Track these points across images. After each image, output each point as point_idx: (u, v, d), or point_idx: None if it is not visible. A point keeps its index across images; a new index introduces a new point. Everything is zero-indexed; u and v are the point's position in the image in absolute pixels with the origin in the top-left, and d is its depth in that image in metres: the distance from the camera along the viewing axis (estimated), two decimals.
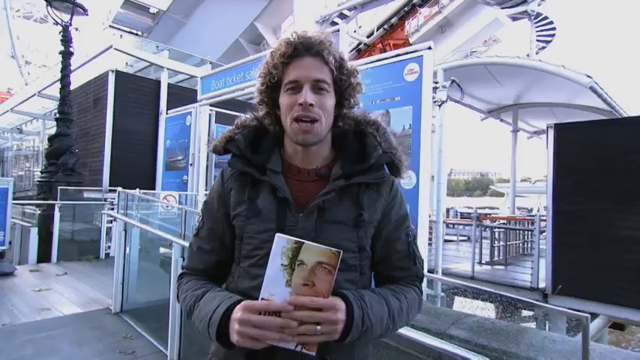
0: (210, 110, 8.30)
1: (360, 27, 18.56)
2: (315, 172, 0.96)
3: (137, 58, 10.40)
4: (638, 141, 4.79)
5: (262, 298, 0.78)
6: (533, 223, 7.68)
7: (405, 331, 1.54)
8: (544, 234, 5.94)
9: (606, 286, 4.89)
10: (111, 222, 7.18)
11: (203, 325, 0.86)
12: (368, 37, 17.92)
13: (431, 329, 1.70)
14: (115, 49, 9.89)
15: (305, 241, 0.78)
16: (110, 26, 18.87)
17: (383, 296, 0.90)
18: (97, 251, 7.04)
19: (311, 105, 0.88)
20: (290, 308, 0.76)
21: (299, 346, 0.78)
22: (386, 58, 4.60)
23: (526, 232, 8.38)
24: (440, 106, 6.01)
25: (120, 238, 4.10)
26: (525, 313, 5.19)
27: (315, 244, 0.78)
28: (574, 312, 1.32)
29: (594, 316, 5.31)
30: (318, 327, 0.76)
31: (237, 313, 0.79)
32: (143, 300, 4.21)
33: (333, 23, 15.92)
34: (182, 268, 1.05)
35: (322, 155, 0.98)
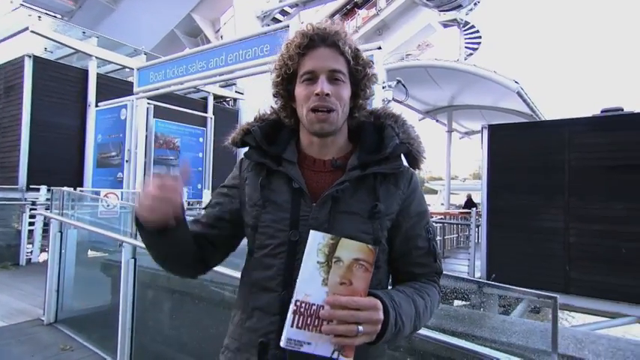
0: (148, 104, 7.83)
1: (302, 23, 18.62)
2: (331, 163, 0.95)
3: (60, 43, 9.47)
4: (558, 142, 5.35)
5: (297, 300, 0.73)
6: (467, 218, 8.27)
7: None
8: (479, 227, 6.42)
9: (532, 273, 5.42)
10: (32, 224, 6.51)
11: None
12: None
13: None
14: (32, 31, 8.91)
15: (341, 237, 0.75)
16: (22, 5, 16.92)
17: (409, 295, 0.88)
18: (15, 257, 6.34)
19: (327, 95, 0.88)
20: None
21: (335, 352, 0.73)
22: None
23: (461, 226, 9.01)
24: (386, 105, 6.24)
25: (55, 241, 3.73)
26: (463, 300, 5.58)
27: (352, 240, 0.76)
28: (543, 293, 1.45)
29: (520, 300, 5.85)
30: (360, 327, 0.72)
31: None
32: (82, 308, 3.87)
33: (275, 19, 15.79)
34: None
35: (338, 146, 0.98)
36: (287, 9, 15.77)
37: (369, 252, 0.75)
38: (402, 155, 0.98)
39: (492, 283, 1.36)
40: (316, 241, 0.75)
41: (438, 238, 8.27)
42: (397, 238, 0.96)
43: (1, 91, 9.32)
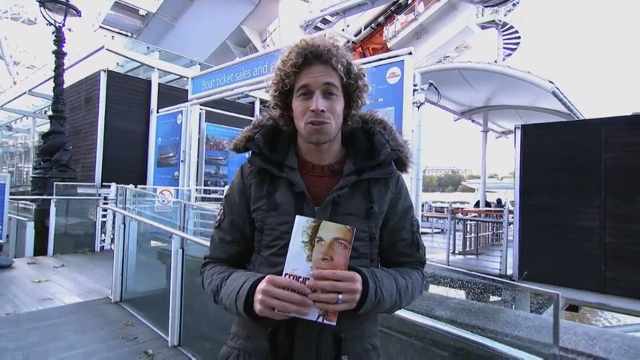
0: (201, 109, 8.23)
1: (348, 26, 18.62)
2: (329, 168, 0.99)
3: (128, 58, 10.18)
4: (594, 141, 5.02)
5: (286, 273, 0.82)
6: (502, 216, 7.93)
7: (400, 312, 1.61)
8: (512, 226, 6.15)
9: (565, 272, 5.12)
10: (105, 216, 7.07)
11: (231, 299, 0.89)
12: (356, 35, 18.02)
13: (420, 310, 1.79)
14: (107, 49, 9.66)
15: (323, 220, 0.83)
16: (100, 27, 18.32)
17: (391, 274, 0.95)
18: (91, 244, 6.91)
19: (322, 111, 0.92)
20: (308, 291, 0.80)
21: (320, 317, 0.81)
22: (370, 62, 4.67)
23: (495, 224, 8.65)
24: (418, 107, 6.13)
25: (119, 231, 4.06)
26: (497, 296, 5.39)
27: (332, 222, 0.83)
28: (545, 290, 1.42)
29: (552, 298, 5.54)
30: (340, 295, 0.80)
31: (262, 284, 0.83)
32: (142, 290, 4.18)
33: (317, 28, 15.92)
34: (205, 258, 1.08)
35: (333, 152, 1.01)
36: (328, 17, 15.84)
37: (347, 232, 0.83)
38: (392, 160, 1.02)
39: (491, 277, 1.32)
40: (301, 224, 0.83)
41: (473, 235, 8.01)
42: (385, 232, 1.01)
43: (83, 101, 10.18)
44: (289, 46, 0.98)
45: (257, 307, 0.83)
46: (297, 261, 0.82)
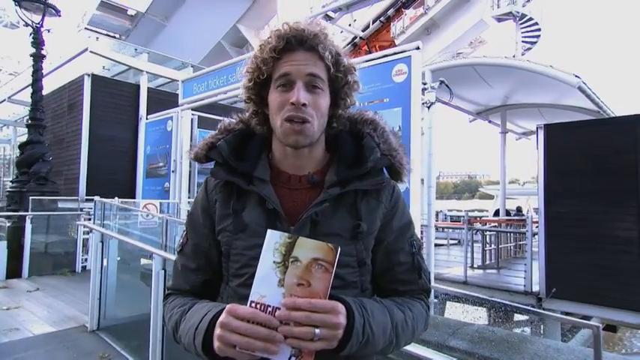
0: (193, 115, 8.16)
1: (355, 20, 18.66)
2: (308, 179, 0.89)
3: (115, 61, 10.19)
4: (628, 140, 4.86)
5: (252, 301, 0.71)
6: (524, 226, 7.74)
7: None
8: (536, 236, 5.97)
9: (600, 288, 4.93)
10: (87, 233, 6.99)
11: (189, 337, 0.78)
12: (363, 30, 18.04)
13: (430, 341, 1.63)
14: (91, 51, 9.67)
15: (299, 236, 0.72)
16: (86, 29, 18.52)
17: (386, 306, 0.83)
18: (72, 264, 6.82)
19: (304, 105, 0.81)
20: (277, 324, 0.69)
21: (293, 357, 0.70)
22: (374, 59, 4.58)
23: (518, 234, 8.44)
24: (429, 107, 6.01)
25: (97, 250, 3.95)
26: (520, 317, 5.20)
27: (310, 239, 0.72)
28: (583, 322, 1.26)
29: (588, 318, 5.33)
30: (317, 330, 0.68)
31: (221, 317, 0.72)
32: (122, 316, 4.06)
33: None
34: (167, 289, 0.98)
35: (315, 159, 0.91)
36: (330, 14, 15.89)
37: (330, 251, 0.71)
38: (384, 168, 0.91)
39: (514, 304, 1.19)
40: (273, 240, 0.72)
41: (492, 247, 7.82)
42: (378, 253, 0.89)
43: (65, 108, 10.18)
44: (270, 29, 0.87)
45: (215, 344, 0.71)
46: (266, 286, 0.71)
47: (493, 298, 1.39)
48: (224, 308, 0.74)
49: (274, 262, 0.71)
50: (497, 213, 11.07)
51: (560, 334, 5.01)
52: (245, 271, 0.83)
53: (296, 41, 0.84)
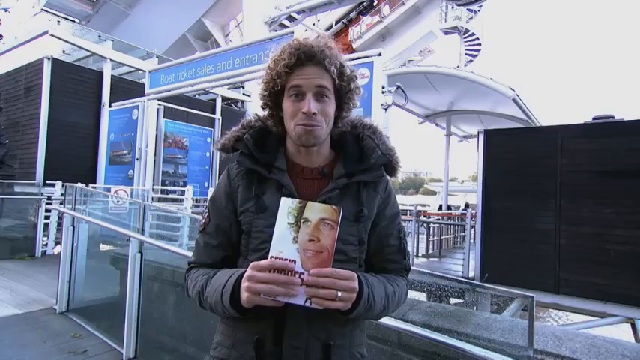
0: (159, 105, 7.90)
1: (319, 20, 18.66)
2: (318, 171, 0.99)
3: (77, 47, 9.55)
4: (550, 147, 5.34)
5: (272, 256, 0.81)
6: (464, 220, 8.27)
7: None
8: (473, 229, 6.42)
9: (524, 274, 5.42)
10: (48, 217, 6.60)
11: (216, 296, 0.88)
12: (327, 30, 18.10)
13: (393, 315, 1.81)
14: (52, 35, 9.01)
15: (308, 201, 0.82)
16: (43, 10, 17.07)
17: (381, 280, 0.96)
18: (31, 249, 6.42)
19: (314, 114, 0.91)
20: (292, 267, 0.79)
21: (308, 301, 0.80)
22: None
23: (458, 227, 8.99)
24: (386, 109, 6.25)
25: (67, 234, 3.79)
26: (460, 299, 5.59)
27: (317, 202, 0.83)
28: (521, 292, 1.48)
29: (512, 300, 5.85)
30: (339, 293, 0.79)
31: (247, 272, 0.82)
32: (92, 298, 3.94)
33: (282, 25, 15.82)
34: (189, 264, 1.05)
35: (323, 155, 1.01)
36: (294, 15, 15.80)
37: (334, 212, 0.82)
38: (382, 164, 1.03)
39: (468, 280, 1.37)
40: (286, 205, 0.83)
41: (436, 238, 8.29)
42: (372, 237, 1.01)
43: (22, 91, 9.42)
44: (281, 44, 0.97)
45: (243, 296, 0.81)
46: (283, 243, 0.81)
47: (449, 276, 1.58)
48: (246, 270, 0.84)
49: (288, 223, 0.81)
50: (440, 208, 11.67)
51: (490, 310, 5.45)
52: (264, 245, 0.90)
53: (305, 57, 0.93)
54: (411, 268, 1.10)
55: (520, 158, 5.61)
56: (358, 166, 0.99)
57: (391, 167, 1.05)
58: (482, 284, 1.81)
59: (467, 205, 13.09)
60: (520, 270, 5.43)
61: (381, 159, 1.01)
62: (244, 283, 0.81)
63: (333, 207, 0.82)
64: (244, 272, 0.84)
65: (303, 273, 0.80)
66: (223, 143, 1.03)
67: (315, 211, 0.82)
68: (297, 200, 0.82)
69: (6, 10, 7.41)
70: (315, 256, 0.81)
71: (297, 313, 0.86)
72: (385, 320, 1.70)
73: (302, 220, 0.81)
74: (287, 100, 0.95)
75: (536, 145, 5.56)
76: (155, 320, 3.22)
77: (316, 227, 0.81)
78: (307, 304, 0.80)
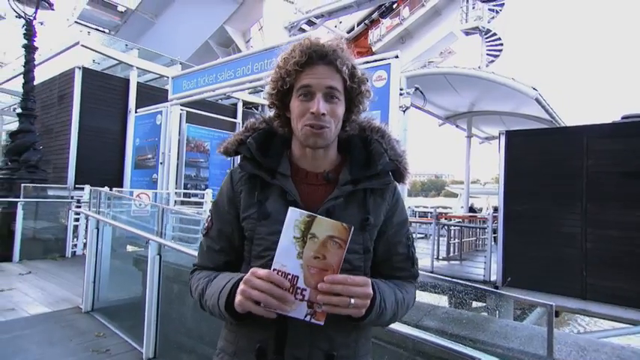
0: (181, 110, 8.06)
1: (340, 22, 18.69)
2: (323, 176, 0.96)
3: (106, 55, 9.90)
4: (576, 148, 5.13)
5: (274, 269, 0.78)
6: (485, 222, 8.05)
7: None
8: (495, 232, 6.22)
9: (548, 278, 5.21)
10: (77, 220, 6.82)
11: (213, 299, 0.86)
12: (348, 32, 18.13)
13: (408, 321, 1.75)
14: (83, 45, 9.37)
15: (317, 215, 0.78)
16: (76, 22, 17.79)
17: (391, 287, 0.93)
18: (62, 249, 6.65)
19: (323, 114, 0.88)
20: (287, 285, 0.76)
21: (308, 316, 0.77)
22: None
23: (479, 229, 8.75)
24: (404, 111, 6.16)
25: (92, 236, 3.89)
26: (481, 302, 5.43)
27: (327, 218, 0.79)
28: (539, 300, 1.40)
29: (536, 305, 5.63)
30: (352, 300, 0.77)
31: (246, 276, 0.80)
32: (115, 298, 4.02)
33: (301, 30, 15.92)
34: (193, 266, 1.04)
35: (330, 158, 0.98)
36: (313, 19, 15.86)
37: (344, 230, 0.77)
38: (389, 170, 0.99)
39: (484, 288, 1.31)
40: (293, 217, 0.78)
41: (456, 240, 8.10)
42: (380, 245, 0.97)
43: (55, 99, 9.83)
44: (292, 43, 0.94)
45: (237, 298, 0.79)
46: (287, 257, 0.78)
47: (465, 283, 1.51)
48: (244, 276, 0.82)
49: (294, 237, 0.77)
50: (472, 209, 11.42)
51: (513, 317, 5.27)
52: (267, 253, 0.88)
53: (317, 56, 0.90)
54: (419, 274, 1.05)
55: (543, 159, 5.41)
56: (365, 171, 0.94)
57: (399, 173, 1.00)
58: (500, 291, 1.74)
59: (495, 209, 12.78)
60: (544, 274, 5.22)
61: (388, 165, 0.97)
62: (240, 287, 0.79)
63: (344, 225, 0.77)
64: (243, 277, 0.82)
65: (305, 290, 0.77)
66: (226, 147, 1.01)
67: (324, 227, 0.77)
68: (306, 213, 0.78)
69: (41, 23, 7.68)
70: (319, 274, 0.78)
71: (299, 321, 0.82)
72: (397, 327, 1.64)
73: (309, 236, 0.77)
74: (295, 99, 0.92)
75: (560, 145, 5.35)
76: (174, 321, 3.25)
77: (323, 245, 0.77)
78: (307, 318, 0.78)
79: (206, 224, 1.02)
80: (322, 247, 0.77)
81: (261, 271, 0.78)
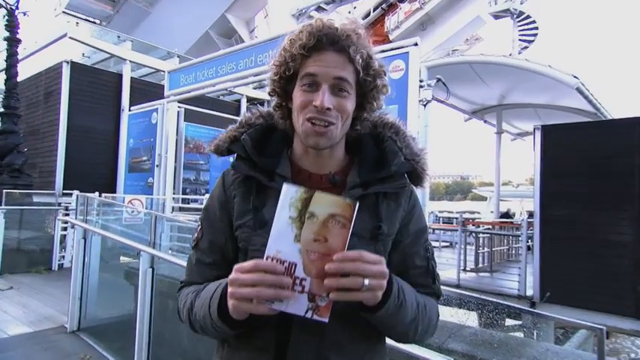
0: (179, 107, 8.11)
1: (355, 8, 18.64)
2: (328, 179, 0.91)
3: (96, 48, 10.07)
4: (626, 143, 4.99)
5: (268, 256, 0.72)
6: (518, 229, 7.89)
7: (405, 346, 1.50)
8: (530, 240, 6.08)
9: (594, 294, 5.05)
10: (65, 229, 6.89)
11: (204, 309, 0.82)
12: (364, 18, 18.09)
13: (430, 343, 1.68)
14: (70, 37, 9.53)
15: (316, 190, 0.73)
16: (63, 12, 18.16)
17: (409, 286, 0.87)
18: (48, 262, 6.72)
19: (328, 109, 0.83)
20: (281, 270, 0.71)
21: (309, 311, 0.72)
22: None
23: (512, 237, 8.59)
24: (425, 105, 6.07)
25: (78, 247, 3.91)
26: (514, 321, 5.30)
27: (327, 193, 0.74)
28: (587, 323, 1.32)
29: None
30: (366, 281, 0.70)
31: (230, 276, 0.74)
32: (104, 316, 4.03)
33: (311, 17, 15.93)
34: (180, 283, 0.99)
35: (336, 159, 0.93)
36: (323, 5, 15.89)
37: (347, 206, 0.72)
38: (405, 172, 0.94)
39: (518, 306, 1.24)
40: (289, 195, 0.73)
41: (486, 249, 7.95)
42: (395, 256, 0.91)
43: (41, 97, 10.01)
44: (302, 24, 0.89)
45: (229, 304, 0.73)
46: (283, 241, 0.72)
47: (500, 301, 1.43)
48: None
49: (290, 217, 0.72)
50: (507, 215, 11.25)
51: (554, 337, 5.12)
52: None
53: (327, 40, 0.85)
54: (442, 293, 0.99)
55: (586, 157, 5.26)
56: (376, 173, 0.89)
57: (416, 175, 0.94)
58: (537, 311, 1.64)
59: (530, 214, 12.60)
60: (589, 289, 5.06)
61: (403, 166, 0.91)
62: (228, 289, 0.74)
63: (347, 200, 0.72)
64: None
65: (305, 279, 0.72)
66: (217, 144, 0.96)
67: (324, 204, 0.72)
68: (303, 189, 0.73)
69: (25, 14, 7.83)
70: (320, 260, 0.72)
71: (299, 338, 0.80)
72: (417, 350, 1.57)
73: (307, 215, 0.72)
74: (298, 89, 0.86)
75: (607, 141, 5.20)
76: (168, 341, 3.23)
77: (324, 225, 0.72)
78: (308, 315, 0.72)
79: (195, 234, 0.98)
80: (323, 228, 0.72)
81: (247, 264, 0.72)
